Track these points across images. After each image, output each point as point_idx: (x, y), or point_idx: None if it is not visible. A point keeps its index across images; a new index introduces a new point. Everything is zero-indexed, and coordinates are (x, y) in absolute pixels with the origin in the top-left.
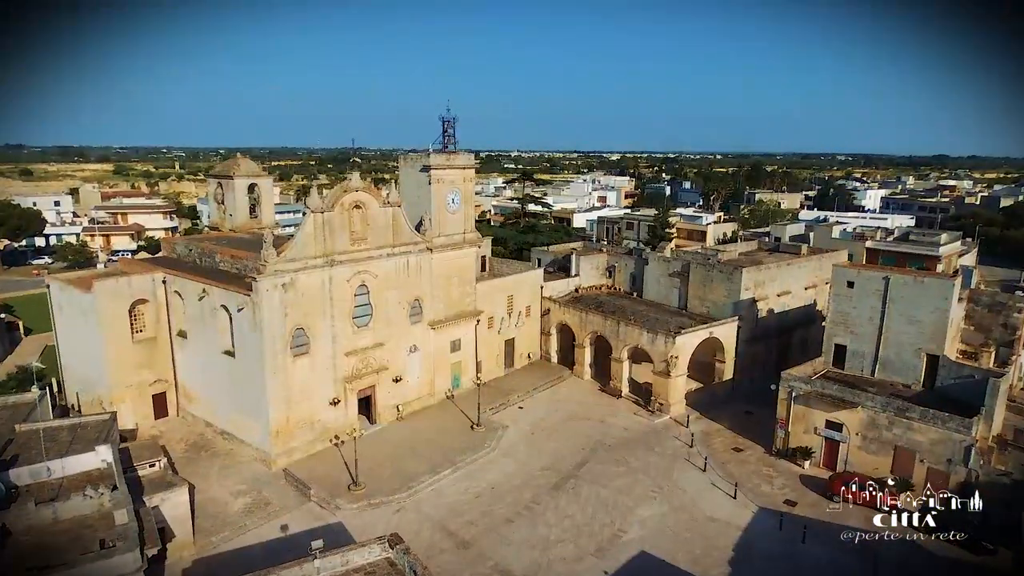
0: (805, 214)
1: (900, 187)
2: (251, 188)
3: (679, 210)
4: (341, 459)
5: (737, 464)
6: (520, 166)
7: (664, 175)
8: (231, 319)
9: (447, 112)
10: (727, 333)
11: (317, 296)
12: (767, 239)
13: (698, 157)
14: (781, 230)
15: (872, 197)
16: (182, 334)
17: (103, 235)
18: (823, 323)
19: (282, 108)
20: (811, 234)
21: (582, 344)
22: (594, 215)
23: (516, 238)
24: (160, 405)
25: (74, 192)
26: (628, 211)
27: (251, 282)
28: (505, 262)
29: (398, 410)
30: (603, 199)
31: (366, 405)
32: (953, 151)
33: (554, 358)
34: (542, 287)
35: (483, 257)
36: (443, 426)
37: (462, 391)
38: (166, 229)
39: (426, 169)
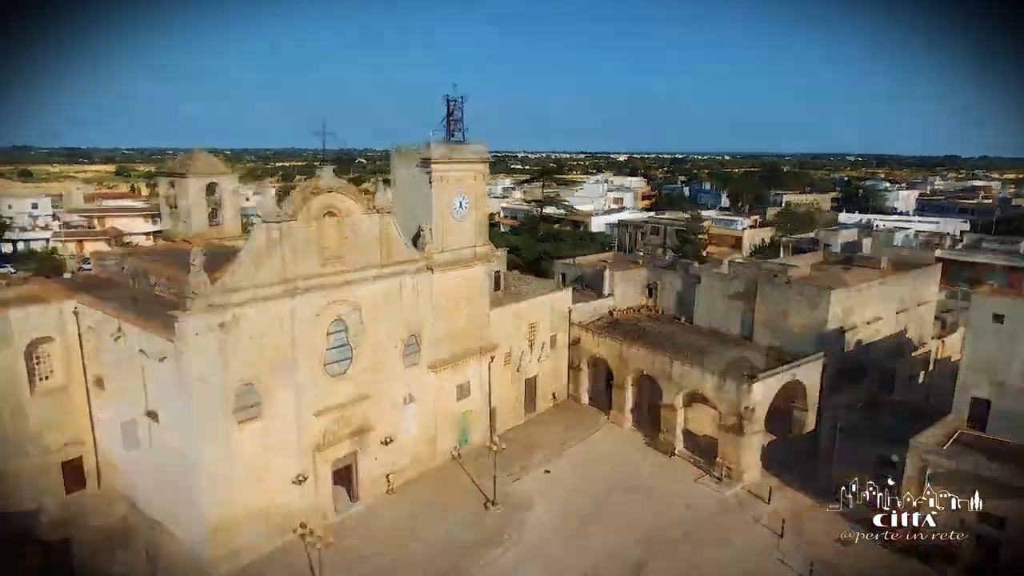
0: (844, 217)
1: (928, 187)
2: (211, 189)
3: (702, 212)
4: (308, 560)
5: (854, 572)
6: (527, 167)
7: (680, 176)
8: (153, 370)
9: (453, 91)
10: (811, 374)
11: (273, 338)
12: (819, 247)
13: (706, 158)
14: (831, 236)
15: (904, 198)
16: (99, 383)
17: (76, 240)
18: (914, 354)
19: (287, 108)
20: (864, 241)
21: (622, 385)
22: (613, 218)
23: (534, 248)
24: (74, 475)
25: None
26: (651, 214)
27: (175, 321)
28: (523, 279)
29: (388, 481)
30: (619, 200)
31: (345, 477)
32: (964, 151)
33: (584, 398)
34: (570, 310)
35: (496, 273)
36: (448, 503)
37: (471, 449)
38: (148, 233)
39: (425, 165)
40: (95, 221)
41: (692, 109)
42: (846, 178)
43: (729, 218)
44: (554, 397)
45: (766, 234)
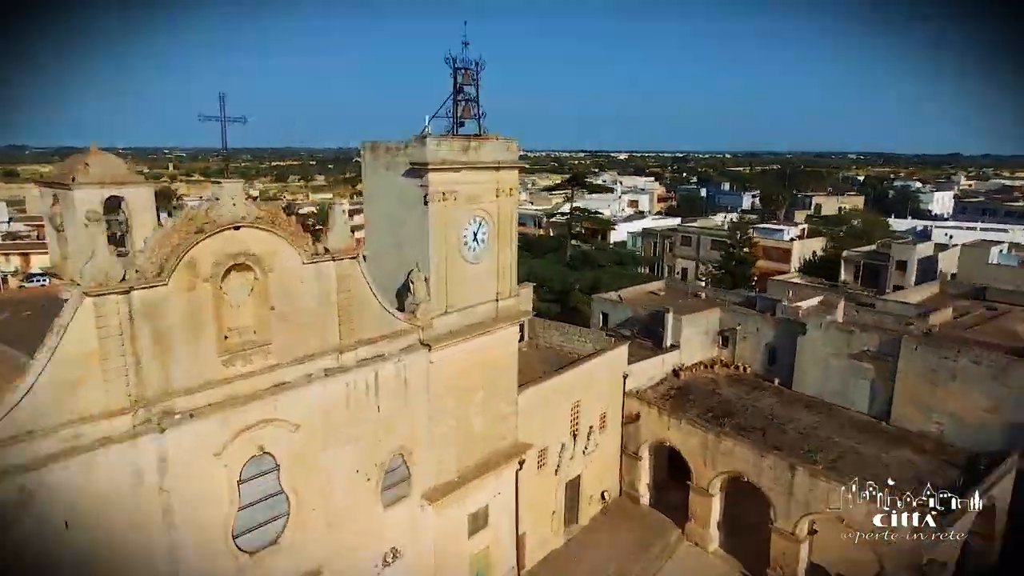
0: (896, 224)
1: (956, 188)
2: (112, 206)
3: (716, 216)
4: None
5: None
6: (528, 165)
7: (689, 176)
8: None
9: (463, 51)
10: (1002, 488)
11: (117, 520)
12: (889, 262)
13: (707, 156)
14: (905, 252)
15: (940, 200)
16: None
17: (19, 253)
18: None
19: (286, 107)
20: (942, 256)
21: (706, 489)
22: (636, 225)
23: (564, 277)
24: None
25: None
26: (676, 221)
27: None
28: (556, 326)
29: None
30: (634, 204)
31: None
32: (966, 149)
33: (645, 497)
34: (625, 377)
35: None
36: None
37: None
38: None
39: (418, 173)
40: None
41: (690, 107)
42: (859, 176)
43: (773, 227)
44: (603, 498)
45: (817, 245)
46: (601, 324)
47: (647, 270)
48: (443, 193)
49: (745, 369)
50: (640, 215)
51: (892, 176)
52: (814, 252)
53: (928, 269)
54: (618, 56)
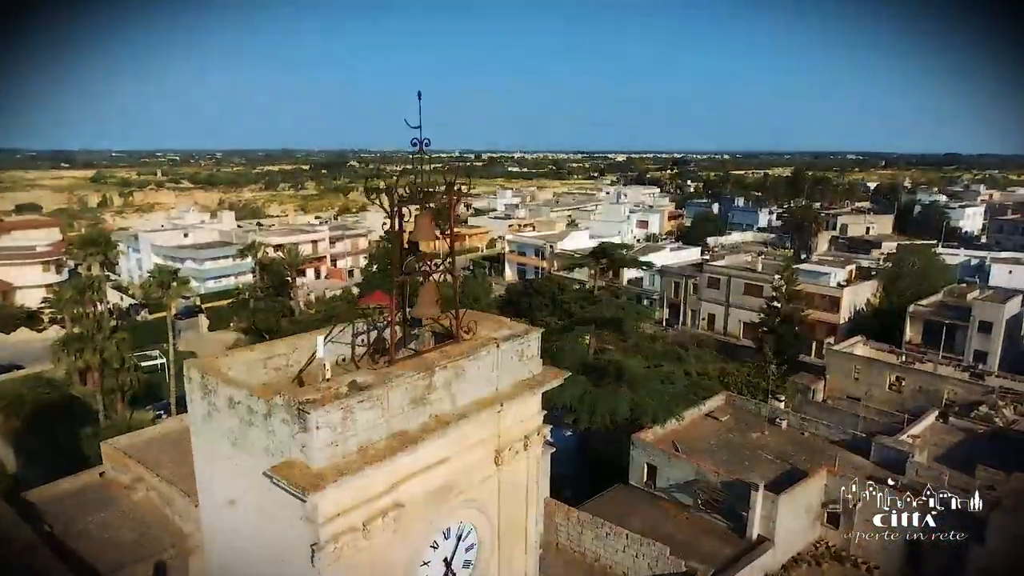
0: (944, 252)
1: (978, 198)
2: None
3: (732, 235)
4: None
5: None
6: (525, 168)
7: (697, 184)
8: None
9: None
10: None
11: None
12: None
13: (705, 157)
14: (986, 310)
15: (972, 216)
16: None
17: None
18: None
19: (284, 108)
20: None
21: None
22: (656, 260)
23: (606, 401)
24: None
25: None
26: (699, 253)
27: None
28: (586, 520)
29: None
30: (644, 224)
31: None
32: (963, 149)
33: None
34: None
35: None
36: None
37: None
38: (48, 286)
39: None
40: None
41: (688, 106)
42: (869, 183)
43: (817, 268)
44: None
45: (868, 291)
46: (645, 480)
47: (667, 312)
48: (354, 530)
49: (870, 571)
50: (654, 241)
51: (906, 186)
52: (868, 300)
53: (1015, 327)
54: (619, 56)
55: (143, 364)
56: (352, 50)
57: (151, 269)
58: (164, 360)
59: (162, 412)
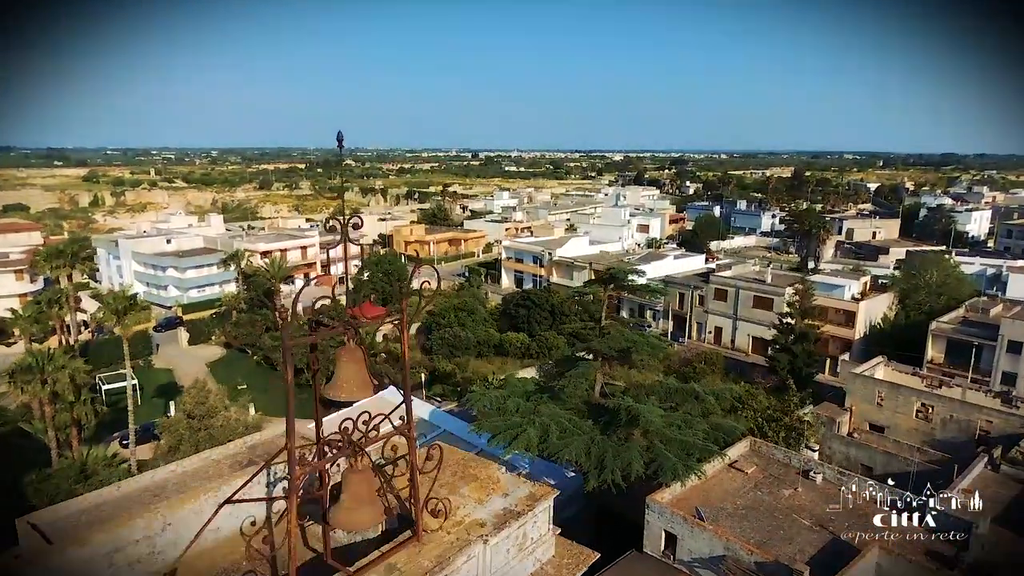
0: (959, 260)
1: (981, 200)
2: None
3: (736, 239)
4: None
5: None
6: (522, 168)
7: (696, 185)
8: None
9: None
10: None
11: None
12: (999, 341)
13: (703, 156)
14: (1020, 329)
15: (979, 220)
16: None
17: None
18: None
19: (282, 107)
20: None
21: None
22: (658, 269)
23: (599, 453)
24: None
25: None
26: (704, 262)
27: None
28: None
29: None
30: (645, 228)
31: None
32: (960, 149)
33: None
34: None
35: None
36: None
37: None
38: (22, 295)
39: None
40: None
41: (687, 105)
42: (869, 184)
43: (831, 280)
44: None
45: (884, 304)
46: (663, 549)
47: (671, 324)
48: None
49: None
50: (656, 246)
51: (908, 187)
52: (884, 315)
53: None
54: (617, 55)
55: (112, 386)
56: (349, 49)
57: (114, 290)
58: (136, 381)
59: (126, 441)
